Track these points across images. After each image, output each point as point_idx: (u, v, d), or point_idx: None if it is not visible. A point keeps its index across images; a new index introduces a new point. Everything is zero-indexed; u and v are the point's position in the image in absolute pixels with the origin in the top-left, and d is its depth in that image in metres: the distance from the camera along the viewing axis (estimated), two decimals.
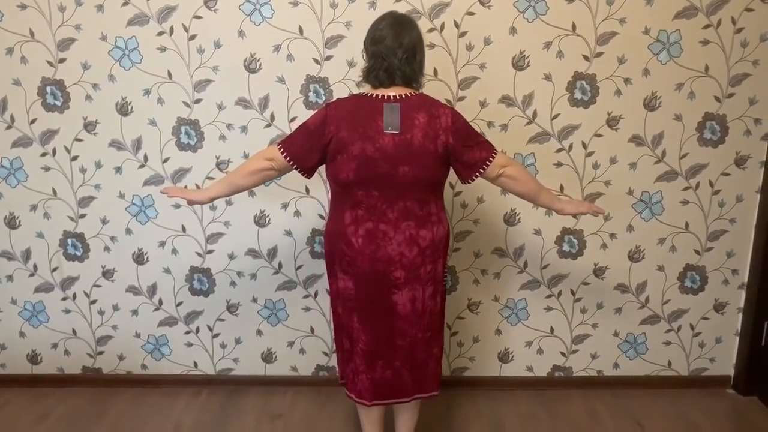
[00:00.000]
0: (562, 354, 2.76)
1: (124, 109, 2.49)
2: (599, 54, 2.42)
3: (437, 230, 1.91)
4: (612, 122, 2.49)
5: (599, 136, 2.51)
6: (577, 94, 2.46)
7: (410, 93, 1.86)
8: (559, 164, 2.54)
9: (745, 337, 2.71)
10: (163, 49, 2.42)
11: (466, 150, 1.88)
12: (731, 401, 2.71)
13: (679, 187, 2.57)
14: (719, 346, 2.75)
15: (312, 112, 2.42)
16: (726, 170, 2.55)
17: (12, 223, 2.61)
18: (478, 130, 2.42)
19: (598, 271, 2.66)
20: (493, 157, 1.91)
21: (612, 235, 2.62)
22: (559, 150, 2.52)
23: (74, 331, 2.75)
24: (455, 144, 1.86)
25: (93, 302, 2.71)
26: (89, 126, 2.51)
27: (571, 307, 2.70)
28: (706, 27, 2.39)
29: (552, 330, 2.73)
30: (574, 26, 2.39)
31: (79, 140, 2.52)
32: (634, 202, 2.58)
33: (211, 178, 2.55)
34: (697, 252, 2.65)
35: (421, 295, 1.92)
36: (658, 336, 2.74)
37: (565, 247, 2.64)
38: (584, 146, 2.52)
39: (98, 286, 2.69)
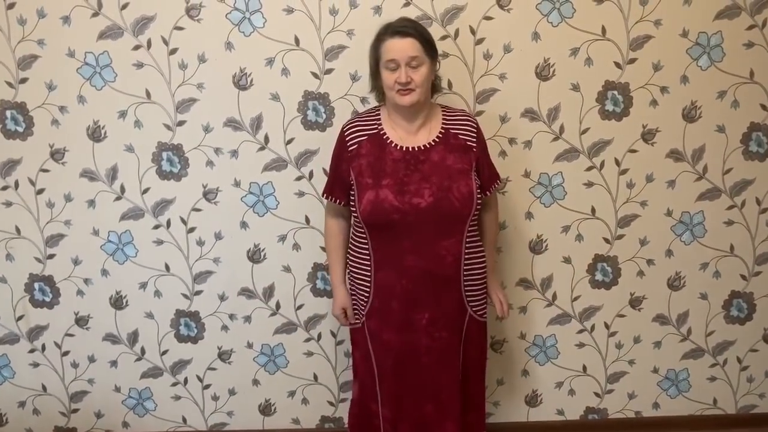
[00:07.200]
0: (596, 395, 2.62)
1: (96, 134, 2.34)
2: (632, 60, 2.31)
3: None
4: (647, 136, 2.38)
5: (634, 151, 2.39)
6: (609, 106, 2.35)
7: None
8: (589, 184, 2.41)
9: None
10: (140, 66, 2.28)
11: None
12: None
13: (723, 205, 2.45)
14: None
15: (311, 133, 2.35)
16: None
17: None
18: (499, 148, 2.37)
19: (635, 302, 2.53)
20: None
21: (649, 261, 2.49)
22: (590, 168, 2.40)
23: (44, 387, 2.56)
24: None
25: (65, 354, 2.53)
26: (57, 154, 2.36)
27: (605, 342, 2.56)
28: (750, 28, 2.29)
29: (585, 368, 2.59)
30: (603, 30, 2.28)
31: (45, 171, 2.37)
32: (673, 224, 2.46)
33: (198, 210, 2.39)
34: (743, 277, 2.52)
35: None
36: (702, 371, 2.60)
37: (598, 276, 2.50)
38: (617, 163, 2.40)
39: (71, 335, 2.51)
